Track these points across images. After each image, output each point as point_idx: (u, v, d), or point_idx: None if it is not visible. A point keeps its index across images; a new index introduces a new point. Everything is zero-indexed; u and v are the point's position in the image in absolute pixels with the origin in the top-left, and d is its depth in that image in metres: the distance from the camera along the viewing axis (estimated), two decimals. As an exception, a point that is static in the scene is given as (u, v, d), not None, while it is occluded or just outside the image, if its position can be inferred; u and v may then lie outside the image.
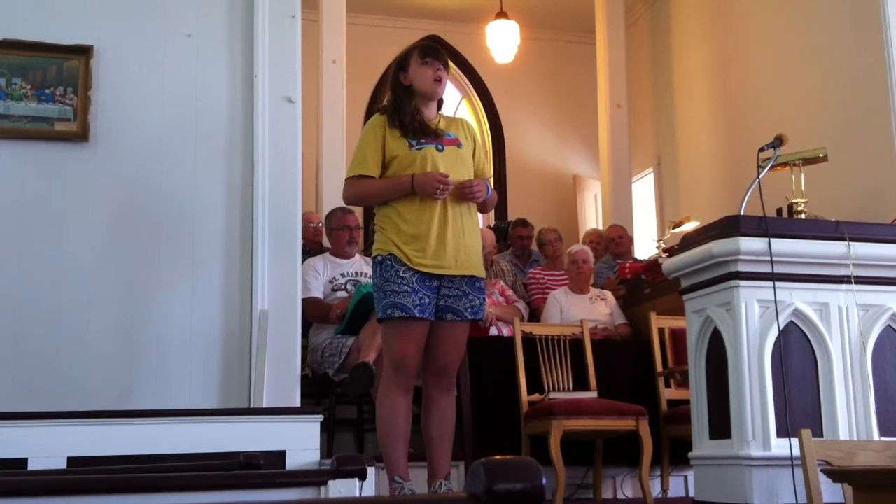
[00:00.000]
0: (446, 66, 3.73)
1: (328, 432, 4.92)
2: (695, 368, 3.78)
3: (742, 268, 3.54)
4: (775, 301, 3.49)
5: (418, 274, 3.54)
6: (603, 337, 5.59)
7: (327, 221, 5.64)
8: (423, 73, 3.66)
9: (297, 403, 4.14)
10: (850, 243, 3.58)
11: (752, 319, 3.51)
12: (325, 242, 5.97)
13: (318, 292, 5.13)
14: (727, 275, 3.56)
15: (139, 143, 4.23)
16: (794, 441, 3.10)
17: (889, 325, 3.66)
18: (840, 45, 5.96)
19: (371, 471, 2.14)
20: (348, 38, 7.93)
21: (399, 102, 3.68)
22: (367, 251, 5.97)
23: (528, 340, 5.06)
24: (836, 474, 2.46)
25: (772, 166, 3.85)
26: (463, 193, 3.61)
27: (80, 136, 4.15)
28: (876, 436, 3.49)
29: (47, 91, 4.16)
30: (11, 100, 4.13)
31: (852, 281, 3.59)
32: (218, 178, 4.27)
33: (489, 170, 3.91)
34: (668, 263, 3.96)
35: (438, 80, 3.68)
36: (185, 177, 4.25)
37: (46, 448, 2.93)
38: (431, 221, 3.57)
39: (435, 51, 3.73)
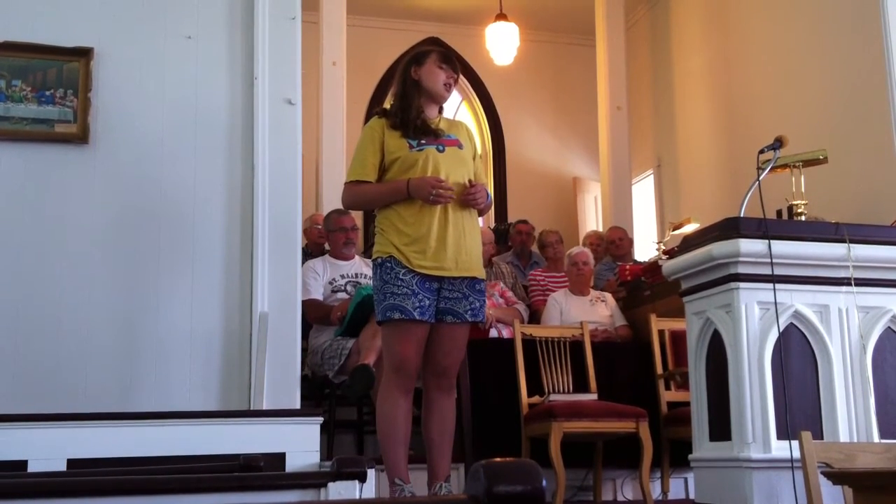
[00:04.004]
0: (457, 80, 3.80)
1: (328, 434, 4.92)
2: (695, 370, 3.77)
3: (742, 270, 3.53)
4: (775, 303, 3.48)
5: (418, 276, 3.54)
6: (603, 339, 5.59)
7: (324, 224, 5.66)
8: (437, 75, 3.71)
9: (297, 405, 4.14)
10: (850, 245, 3.58)
11: (753, 321, 3.51)
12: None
13: (317, 294, 5.13)
14: (727, 277, 3.56)
15: (139, 145, 4.23)
16: (795, 443, 3.09)
17: (889, 327, 3.65)
18: (840, 47, 5.96)
19: (371, 473, 2.13)
20: (348, 39, 7.93)
21: (407, 96, 3.70)
22: (367, 253, 5.97)
23: (528, 342, 5.06)
24: (837, 476, 2.46)
25: (772, 168, 3.85)
26: (465, 200, 3.62)
27: (80, 138, 4.15)
28: (876, 438, 3.48)
29: (47, 93, 4.16)
30: (11, 102, 4.13)
31: (852, 283, 3.59)
32: (218, 180, 4.27)
33: (484, 178, 3.94)
34: (668, 265, 3.96)
35: (448, 86, 3.74)
36: (185, 179, 4.25)
37: (46, 450, 2.93)
38: (431, 223, 3.58)
39: (453, 61, 3.80)
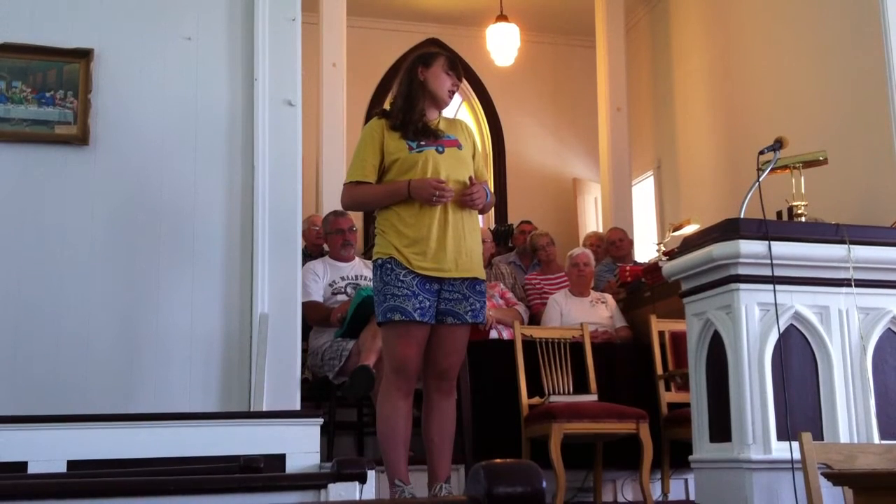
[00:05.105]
0: (460, 86, 3.83)
1: (328, 435, 4.92)
2: (695, 371, 3.77)
3: (742, 271, 3.53)
4: (775, 304, 3.48)
5: (419, 277, 3.54)
6: (603, 340, 5.59)
7: (323, 226, 5.66)
8: (443, 80, 3.72)
9: (297, 407, 4.14)
10: (851, 246, 3.58)
11: (753, 322, 3.51)
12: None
13: (318, 295, 5.13)
14: (727, 278, 3.56)
15: (139, 146, 4.24)
16: (795, 444, 3.10)
17: (889, 328, 3.65)
18: (840, 48, 5.96)
19: (371, 474, 2.14)
20: (348, 40, 7.94)
21: (412, 97, 3.70)
22: (367, 254, 5.97)
23: (529, 343, 5.06)
24: (837, 477, 2.46)
25: (772, 169, 3.85)
26: (463, 201, 3.62)
27: (80, 139, 4.15)
28: (876, 439, 3.48)
29: (47, 94, 4.16)
30: (12, 103, 4.13)
31: (852, 284, 3.59)
32: (218, 182, 4.27)
33: (486, 174, 3.94)
34: (668, 266, 3.96)
35: (452, 93, 3.76)
36: (185, 180, 4.25)
37: (47, 451, 2.93)
38: (431, 224, 3.58)
39: (459, 68, 3.81)
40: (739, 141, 7.13)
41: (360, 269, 5.31)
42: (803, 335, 3.57)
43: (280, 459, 3.01)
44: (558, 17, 9.39)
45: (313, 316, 5.02)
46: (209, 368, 4.13)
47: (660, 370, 5.15)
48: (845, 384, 3.54)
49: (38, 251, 4.07)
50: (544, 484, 1.25)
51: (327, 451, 4.77)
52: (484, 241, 4.56)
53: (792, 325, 3.55)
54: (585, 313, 5.71)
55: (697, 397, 3.76)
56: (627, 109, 8.50)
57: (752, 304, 3.52)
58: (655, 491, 4.97)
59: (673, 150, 8.55)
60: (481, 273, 3.71)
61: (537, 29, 9.37)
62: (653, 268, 6.02)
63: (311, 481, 2.10)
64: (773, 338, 3.50)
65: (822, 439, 3.44)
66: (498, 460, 1.28)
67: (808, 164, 4.07)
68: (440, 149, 3.66)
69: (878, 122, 5.40)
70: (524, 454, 4.81)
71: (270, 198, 4.25)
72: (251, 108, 4.31)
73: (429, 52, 3.86)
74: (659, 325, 5.25)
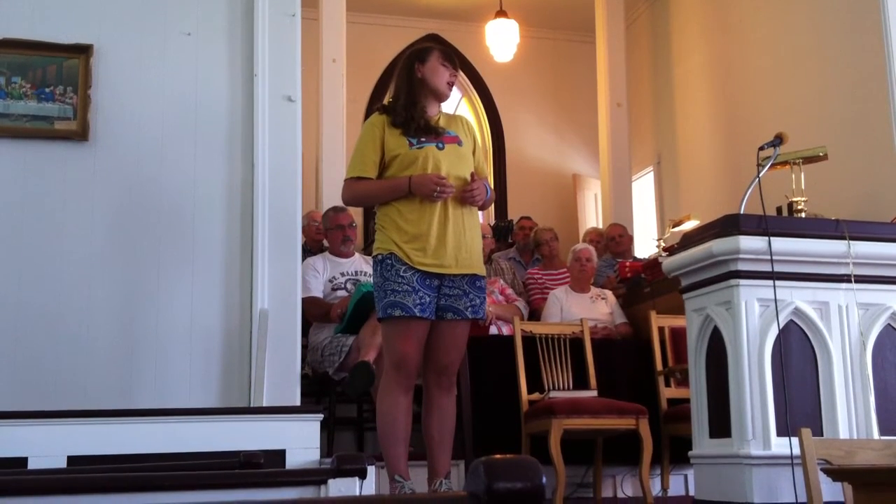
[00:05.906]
0: (457, 78, 3.83)
1: (328, 431, 4.92)
2: (695, 367, 3.78)
3: (742, 266, 3.53)
4: (775, 300, 3.49)
5: (419, 273, 3.54)
6: (603, 336, 5.59)
7: (322, 222, 5.66)
8: (441, 73, 3.73)
9: (297, 402, 4.14)
10: (850, 242, 3.58)
11: (752, 318, 3.51)
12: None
13: (317, 291, 5.13)
14: (727, 273, 3.56)
15: (139, 142, 4.23)
16: (794, 440, 3.10)
17: (889, 324, 3.65)
18: (840, 45, 5.96)
19: (371, 470, 2.14)
20: (348, 36, 7.93)
21: (413, 94, 3.69)
22: (367, 250, 5.97)
23: (529, 339, 5.06)
24: (836, 473, 2.46)
25: (772, 165, 3.85)
26: (463, 198, 3.62)
27: (80, 135, 4.15)
28: (876, 434, 3.49)
29: (47, 90, 4.16)
30: (11, 98, 4.13)
31: (852, 280, 3.59)
32: (218, 178, 4.27)
33: (486, 170, 3.93)
34: (668, 262, 3.96)
35: (450, 85, 3.76)
36: (185, 176, 4.25)
37: (47, 447, 2.93)
38: (431, 220, 3.58)
39: (454, 59, 3.82)
40: (739, 137, 7.12)
41: (359, 265, 5.31)
42: (803, 331, 3.57)
43: (280, 455, 3.02)
44: (558, 12, 9.38)
45: (313, 312, 5.02)
46: (209, 364, 4.13)
47: (659, 366, 5.15)
48: (845, 380, 3.54)
49: (38, 246, 4.07)
50: (544, 479, 1.25)
51: (327, 446, 4.77)
52: (484, 237, 4.55)
53: (792, 320, 3.56)
54: (585, 309, 5.71)
55: (697, 393, 3.76)
56: (627, 105, 8.49)
57: (751, 299, 3.53)
58: (655, 486, 4.97)
59: (673, 145, 8.54)
60: (481, 269, 3.71)
61: (537, 24, 9.36)
62: (652, 264, 6.02)
63: (310, 477, 2.10)
64: (772, 334, 3.50)
65: (822, 435, 3.44)
66: (498, 456, 1.28)
67: (808, 159, 4.07)
68: (440, 145, 3.66)
69: (878, 117, 5.40)
70: (524, 450, 4.81)
71: (270, 193, 4.24)
72: (251, 104, 4.31)
73: (422, 48, 3.86)
74: (659, 321, 5.26)
